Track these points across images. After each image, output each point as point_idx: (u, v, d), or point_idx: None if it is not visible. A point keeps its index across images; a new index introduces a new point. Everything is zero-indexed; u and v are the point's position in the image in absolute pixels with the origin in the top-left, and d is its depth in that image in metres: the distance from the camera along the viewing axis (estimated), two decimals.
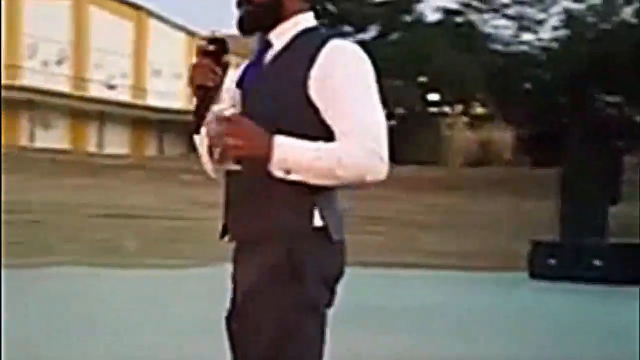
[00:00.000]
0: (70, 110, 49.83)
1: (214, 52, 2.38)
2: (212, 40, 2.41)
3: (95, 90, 51.55)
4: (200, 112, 2.38)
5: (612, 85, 47.15)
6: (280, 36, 2.50)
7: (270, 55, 2.50)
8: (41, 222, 22.58)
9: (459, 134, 52.97)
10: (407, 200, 26.82)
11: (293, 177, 2.29)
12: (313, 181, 2.31)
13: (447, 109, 51.97)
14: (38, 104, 48.07)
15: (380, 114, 2.39)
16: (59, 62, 50.76)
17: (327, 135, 2.37)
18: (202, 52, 2.39)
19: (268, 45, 2.51)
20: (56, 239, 21.10)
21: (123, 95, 52.97)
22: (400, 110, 45.07)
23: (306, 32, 2.51)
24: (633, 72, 44.42)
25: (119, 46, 53.14)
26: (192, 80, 2.38)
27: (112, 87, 52.39)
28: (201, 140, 2.60)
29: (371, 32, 48.48)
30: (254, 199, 2.41)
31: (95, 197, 27.49)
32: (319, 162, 2.28)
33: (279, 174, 2.30)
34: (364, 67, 2.42)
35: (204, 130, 2.47)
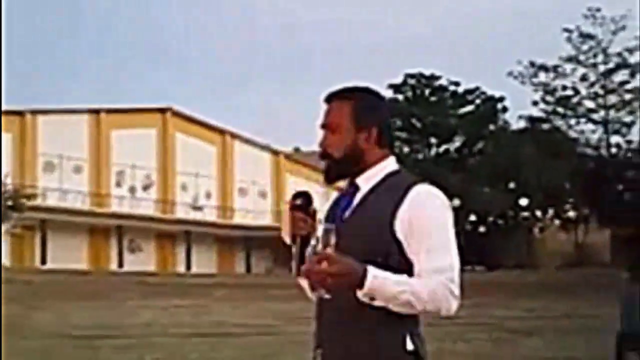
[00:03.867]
0: (157, 232, 50.76)
1: (301, 204, 2.64)
2: (298, 194, 2.67)
3: (181, 212, 52.44)
4: (300, 257, 2.60)
5: None
6: (368, 181, 2.71)
7: (358, 197, 2.70)
8: (134, 345, 22.38)
9: (552, 237, 52.32)
10: (505, 305, 26.00)
11: (376, 303, 2.50)
12: (393, 309, 2.53)
13: (538, 213, 51.76)
14: (126, 229, 48.92)
15: (455, 254, 2.60)
16: (146, 188, 51.96)
17: (407, 267, 2.57)
18: (292, 206, 2.65)
19: (356, 188, 2.71)
20: None
21: (209, 215, 53.81)
22: (491, 217, 45.09)
23: (390, 175, 2.71)
24: None
25: (204, 168, 54.30)
26: (286, 231, 2.66)
27: (197, 208, 53.23)
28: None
29: (456, 142, 49.01)
30: (347, 322, 2.61)
31: (185, 317, 27.27)
32: (401, 295, 2.49)
33: (364, 299, 2.50)
34: (445, 211, 2.63)
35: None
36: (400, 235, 2.59)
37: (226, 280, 41.38)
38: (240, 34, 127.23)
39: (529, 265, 43.37)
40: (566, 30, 51.36)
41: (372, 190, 2.68)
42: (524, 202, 47.89)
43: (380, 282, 2.48)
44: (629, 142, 52.00)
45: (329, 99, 2.76)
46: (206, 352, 21.43)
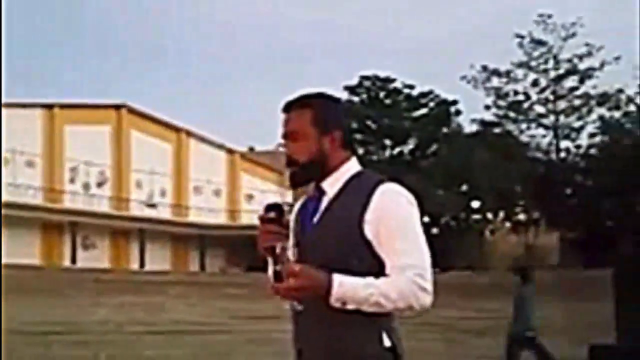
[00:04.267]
0: (111, 229, 50.52)
1: (275, 217, 2.65)
2: (271, 207, 2.68)
3: (136, 210, 52.29)
4: (278, 270, 2.63)
5: None
6: (333, 184, 2.75)
7: (325, 201, 2.76)
8: (88, 341, 22.36)
9: (502, 239, 53.16)
10: (457, 306, 26.44)
11: (349, 307, 2.58)
12: (367, 310, 2.60)
13: (489, 215, 52.55)
14: (80, 226, 48.61)
15: (425, 250, 2.67)
16: (100, 184, 51.69)
17: (378, 267, 2.64)
18: (266, 220, 2.65)
19: (322, 192, 2.77)
20: (104, 358, 20.69)
21: (163, 212, 53.73)
22: (444, 218, 45.67)
23: (354, 177, 2.76)
24: None
25: (159, 166, 54.14)
26: (261, 244, 2.65)
27: (152, 206, 53.09)
28: None
29: (410, 145, 49.62)
30: (324, 325, 2.67)
31: (140, 314, 27.32)
32: (370, 298, 2.57)
33: (336, 305, 2.58)
34: (411, 208, 2.69)
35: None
36: (369, 235, 2.64)
37: (181, 279, 41.40)
38: (198, 30, 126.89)
39: (480, 266, 44.07)
40: (518, 36, 52.27)
41: (339, 194, 2.74)
42: (475, 204, 48.69)
43: (347, 288, 2.56)
44: (577, 147, 53.06)
45: (288, 108, 2.80)
46: (161, 349, 21.50)
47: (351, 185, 2.73)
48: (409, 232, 2.65)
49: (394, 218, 2.65)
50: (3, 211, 45.13)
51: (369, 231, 2.64)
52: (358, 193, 2.69)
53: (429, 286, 2.61)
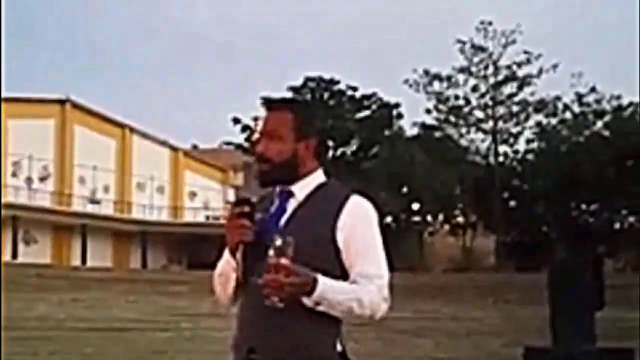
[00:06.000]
0: (53, 225, 50.14)
1: (249, 212, 2.66)
2: (243, 202, 2.70)
3: (78, 205, 51.97)
4: (244, 263, 2.67)
5: (588, 194, 48.62)
6: (302, 189, 2.76)
7: (293, 204, 2.77)
8: (28, 338, 22.33)
9: (441, 241, 54.03)
10: (395, 307, 26.88)
11: (320, 308, 2.58)
12: (334, 314, 2.61)
13: (429, 218, 53.34)
14: (22, 220, 48.17)
15: (385, 261, 2.72)
16: (43, 179, 51.27)
17: (341, 272, 2.67)
18: (239, 214, 2.67)
19: (289, 194, 2.78)
20: (44, 355, 20.72)
21: (106, 209, 53.50)
22: (385, 220, 46.13)
23: (323, 185, 2.79)
24: (607, 181, 45.82)
25: (103, 162, 53.85)
26: (234, 239, 2.68)
27: (95, 202, 52.80)
28: (223, 278, 2.85)
29: (352, 146, 50.18)
30: (282, 325, 2.64)
31: (81, 311, 27.34)
32: (347, 303, 2.58)
33: (309, 304, 2.58)
34: (376, 222, 2.77)
35: (222, 268, 2.81)
36: (340, 242, 2.66)
37: (123, 275, 41.29)
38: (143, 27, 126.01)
39: (419, 268, 44.76)
40: (459, 41, 53.21)
41: (307, 199, 2.75)
42: (416, 206, 49.42)
43: (328, 290, 2.56)
44: (515, 152, 54.33)
45: (271, 106, 2.82)
46: (102, 346, 21.57)
47: (321, 192, 2.77)
48: (377, 244, 2.73)
49: (365, 228, 2.71)
50: None
51: (340, 238, 2.68)
52: (329, 201, 2.73)
53: (389, 296, 2.69)
